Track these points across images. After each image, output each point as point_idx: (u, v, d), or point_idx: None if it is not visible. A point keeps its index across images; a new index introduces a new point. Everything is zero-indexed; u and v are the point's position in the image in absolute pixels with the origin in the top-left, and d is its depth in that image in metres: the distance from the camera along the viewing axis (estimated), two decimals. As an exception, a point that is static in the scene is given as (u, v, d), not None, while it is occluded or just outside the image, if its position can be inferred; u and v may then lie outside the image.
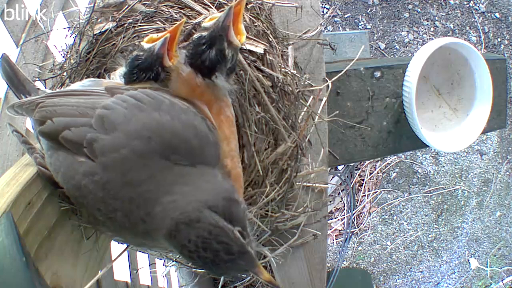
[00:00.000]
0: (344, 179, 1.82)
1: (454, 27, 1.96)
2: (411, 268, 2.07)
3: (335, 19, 1.81)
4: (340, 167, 1.76)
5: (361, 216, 1.97)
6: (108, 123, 0.42)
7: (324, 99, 0.65)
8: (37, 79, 0.69)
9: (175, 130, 0.42)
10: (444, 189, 2.03)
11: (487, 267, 2.14)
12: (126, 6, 0.59)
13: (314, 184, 0.66)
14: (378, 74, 0.77)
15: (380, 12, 1.86)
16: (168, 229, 0.38)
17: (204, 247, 0.37)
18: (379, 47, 1.86)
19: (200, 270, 0.73)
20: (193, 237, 0.37)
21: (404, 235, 2.03)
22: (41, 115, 0.46)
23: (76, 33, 0.62)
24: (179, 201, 0.39)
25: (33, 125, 0.48)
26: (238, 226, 0.39)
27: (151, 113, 0.42)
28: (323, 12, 1.77)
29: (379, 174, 1.95)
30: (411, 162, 1.99)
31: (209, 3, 0.58)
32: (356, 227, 1.96)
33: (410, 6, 1.91)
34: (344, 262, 1.95)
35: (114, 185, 0.41)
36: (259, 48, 0.57)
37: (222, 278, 0.69)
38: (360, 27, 1.84)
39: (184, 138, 0.42)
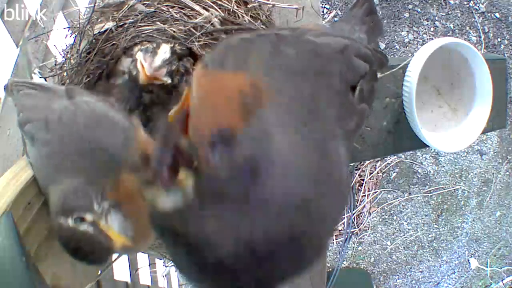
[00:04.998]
0: (344, 179, 1.82)
1: (454, 27, 1.96)
2: (411, 268, 2.07)
3: (335, 19, 1.81)
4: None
5: (361, 216, 1.97)
6: (47, 124, 0.48)
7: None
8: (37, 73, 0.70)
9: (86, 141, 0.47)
10: (444, 189, 2.03)
11: (487, 267, 2.14)
12: (126, 6, 0.59)
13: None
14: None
15: (380, 12, 1.86)
16: None
17: None
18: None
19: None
20: None
21: (404, 235, 2.03)
22: (19, 109, 0.52)
23: (76, 33, 0.62)
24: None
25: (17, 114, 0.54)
26: None
27: (78, 126, 0.48)
28: (323, 12, 1.77)
29: (379, 174, 1.95)
30: (411, 162, 1.99)
31: (210, 3, 0.58)
32: (356, 227, 1.96)
33: (410, 6, 1.91)
34: (344, 262, 1.95)
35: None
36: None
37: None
38: (360, 27, 1.84)
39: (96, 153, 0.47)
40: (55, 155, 0.47)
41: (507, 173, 2.10)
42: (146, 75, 0.51)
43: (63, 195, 0.43)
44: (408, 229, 2.04)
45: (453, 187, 2.05)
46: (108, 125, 0.49)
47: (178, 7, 0.59)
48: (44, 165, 0.48)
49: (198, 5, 0.58)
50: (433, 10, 1.93)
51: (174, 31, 0.57)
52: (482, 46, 1.97)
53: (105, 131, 0.49)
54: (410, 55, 0.79)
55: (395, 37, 1.89)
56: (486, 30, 1.99)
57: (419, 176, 2.00)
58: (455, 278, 2.13)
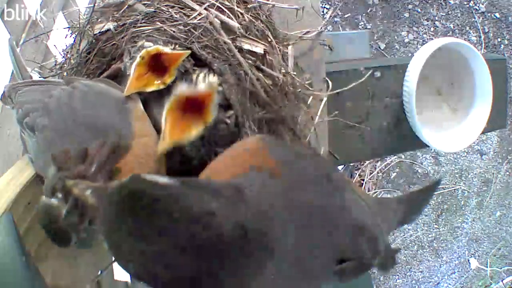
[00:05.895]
0: (344, 179, 1.82)
1: (454, 27, 1.96)
2: (411, 268, 2.07)
3: (335, 19, 1.81)
4: (340, 167, 1.76)
5: (361, 216, 1.96)
6: (47, 109, 0.48)
7: (324, 99, 0.65)
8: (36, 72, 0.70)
9: (89, 122, 0.47)
10: (444, 189, 2.03)
11: (487, 267, 2.14)
12: (126, 6, 0.59)
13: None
14: (378, 74, 0.77)
15: (380, 12, 1.86)
16: None
17: None
18: (379, 47, 1.86)
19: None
20: None
21: (404, 235, 2.03)
22: (18, 106, 0.52)
23: (76, 33, 0.62)
24: None
25: (15, 114, 0.53)
26: None
27: (75, 103, 0.49)
28: (323, 12, 1.77)
29: (379, 174, 1.95)
30: (411, 162, 1.99)
31: (213, 1, 0.58)
32: (356, 227, 1.96)
33: (410, 6, 1.91)
34: (344, 262, 1.95)
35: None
36: (258, 48, 0.57)
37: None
38: (360, 27, 1.84)
39: (99, 131, 0.47)
40: (55, 137, 0.47)
41: (507, 173, 2.10)
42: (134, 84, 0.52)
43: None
44: (408, 229, 2.04)
45: (453, 187, 2.05)
46: (107, 99, 0.50)
47: (178, 7, 0.59)
48: (44, 151, 0.47)
49: (198, 5, 0.58)
50: (433, 10, 1.93)
51: (173, 31, 0.57)
52: (482, 46, 1.97)
53: (104, 105, 0.49)
54: (410, 55, 0.79)
55: (395, 37, 1.89)
56: (486, 30, 1.99)
57: (419, 176, 2.00)
58: (455, 278, 2.13)
